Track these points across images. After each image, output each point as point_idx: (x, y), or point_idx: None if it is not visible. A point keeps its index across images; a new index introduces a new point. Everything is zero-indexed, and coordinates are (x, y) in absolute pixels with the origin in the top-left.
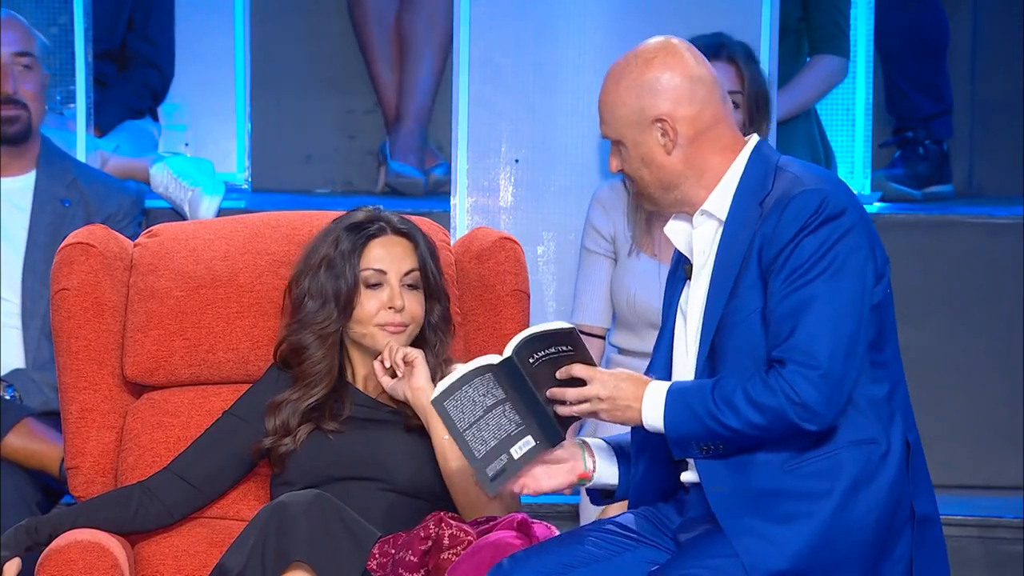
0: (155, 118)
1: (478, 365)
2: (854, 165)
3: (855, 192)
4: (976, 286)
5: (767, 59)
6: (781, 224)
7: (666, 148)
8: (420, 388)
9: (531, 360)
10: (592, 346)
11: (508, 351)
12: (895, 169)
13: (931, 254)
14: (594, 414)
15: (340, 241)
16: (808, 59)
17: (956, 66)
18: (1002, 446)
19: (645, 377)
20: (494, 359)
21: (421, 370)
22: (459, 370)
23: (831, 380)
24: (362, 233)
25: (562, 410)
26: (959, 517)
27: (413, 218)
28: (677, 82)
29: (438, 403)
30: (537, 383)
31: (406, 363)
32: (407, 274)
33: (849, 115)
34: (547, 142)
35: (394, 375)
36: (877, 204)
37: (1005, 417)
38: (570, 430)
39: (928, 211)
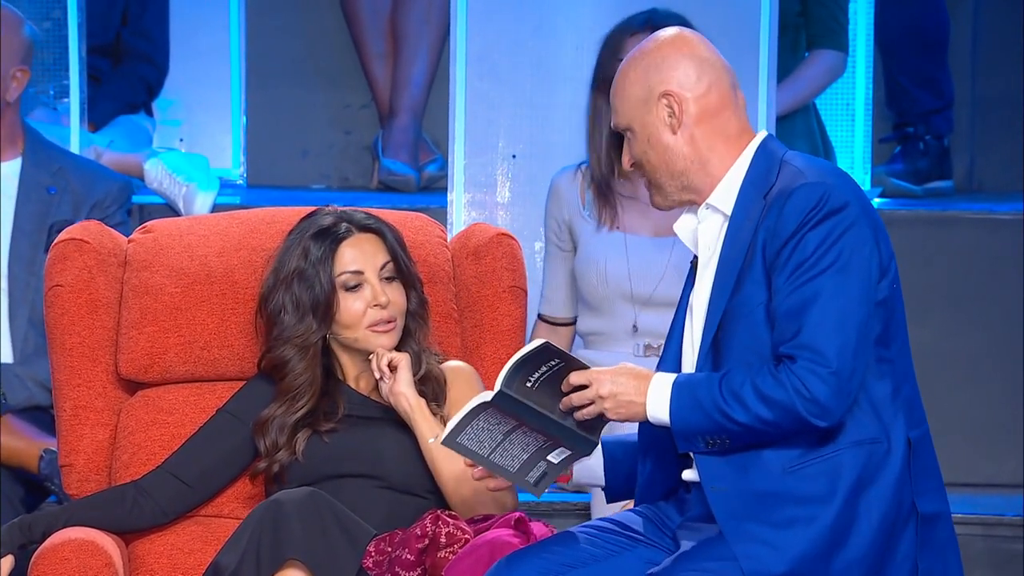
0: (149, 113)
1: (476, 404)
2: (854, 161)
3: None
4: (976, 282)
5: (766, 54)
6: (783, 218)
7: (672, 127)
8: (400, 393)
9: (528, 384)
10: (562, 335)
11: (498, 385)
12: (895, 165)
13: (931, 250)
14: (603, 414)
15: (309, 251)
16: (807, 54)
17: (956, 61)
18: (1003, 443)
19: (647, 370)
20: (488, 395)
21: (404, 375)
22: (459, 412)
23: (841, 376)
24: (330, 238)
25: (578, 416)
26: (959, 515)
27: (408, 214)
28: (685, 62)
29: (450, 442)
30: (545, 403)
31: (391, 368)
32: (383, 267)
33: (849, 110)
34: (544, 138)
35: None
36: (877, 200)
37: (1006, 414)
38: None
39: (928, 207)
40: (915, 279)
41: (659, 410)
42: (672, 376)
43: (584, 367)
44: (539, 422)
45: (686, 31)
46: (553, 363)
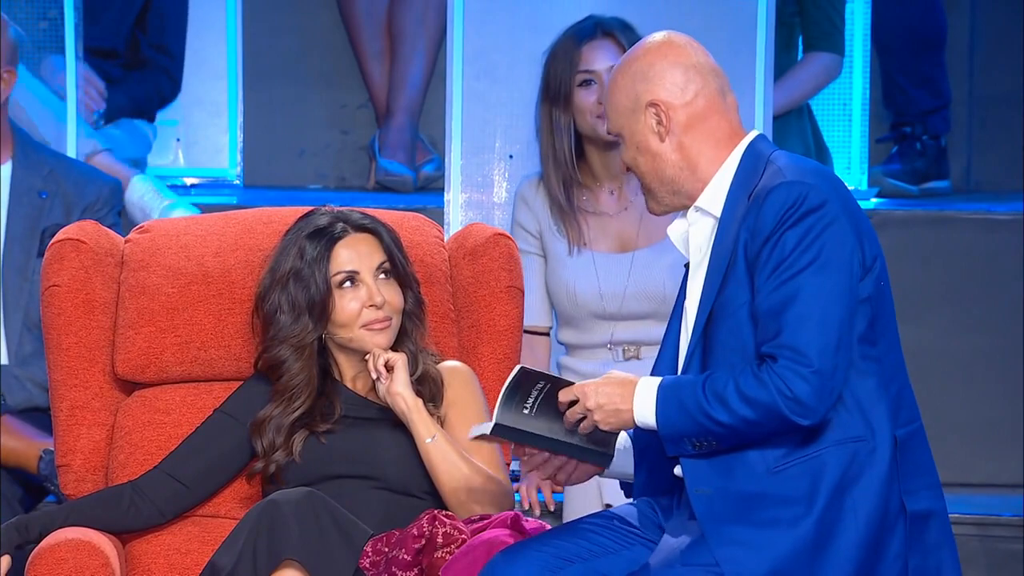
0: (151, 119)
1: (475, 435)
2: (851, 161)
3: (849, 186)
4: (974, 282)
5: (762, 53)
6: (761, 217)
7: (659, 135)
8: (397, 393)
9: (525, 411)
10: (538, 344)
11: (493, 419)
12: (892, 165)
13: (929, 250)
14: (597, 425)
15: (304, 251)
16: (800, 54)
17: (954, 61)
18: (1001, 443)
19: (633, 377)
20: (487, 427)
21: (400, 375)
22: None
23: (823, 375)
24: (326, 238)
25: (580, 430)
26: (957, 515)
27: (405, 214)
28: (671, 69)
29: (483, 432)
30: (549, 427)
31: (387, 368)
32: (379, 267)
33: (846, 110)
34: None
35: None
36: (874, 200)
37: (1004, 414)
38: None
39: (926, 207)
40: (912, 279)
41: (646, 414)
42: (658, 380)
43: (569, 384)
44: (548, 445)
45: (675, 36)
46: (540, 385)
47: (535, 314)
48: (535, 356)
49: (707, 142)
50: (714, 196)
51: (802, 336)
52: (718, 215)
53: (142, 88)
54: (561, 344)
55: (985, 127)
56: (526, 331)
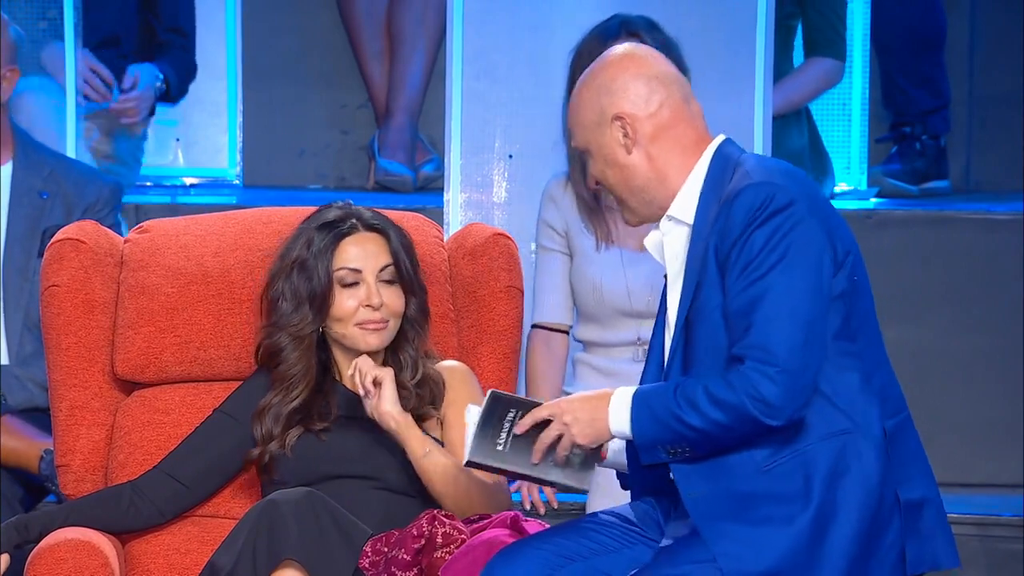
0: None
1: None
2: (851, 160)
3: (849, 186)
4: (974, 282)
5: (762, 53)
6: (730, 219)
7: (626, 147)
8: (386, 412)
9: (499, 448)
10: (556, 342)
11: (465, 455)
12: (892, 165)
13: (928, 250)
14: (573, 443)
15: (312, 242)
16: (802, 58)
17: (954, 61)
18: (1001, 443)
19: (606, 390)
20: (466, 452)
21: (388, 392)
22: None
23: (791, 374)
24: (334, 232)
25: (558, 457)
26: (957, 515)
27: (405, 214)
28: (634, 82)
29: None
30: (523, 462)
31: (375, 385)
32: (382, 270)
33: (846, 110)
34: (541, 137)
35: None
36: (874, 200)
37: (1004, 414)
38: None
39: (925, 207)
40: (912, 279)
41: (621, 423)
42: (632, 389)
43: (538, 403)
44: (525, 480)
45: (636, 48)
46: (512, 416)
47: (556, 311)
48: (552, 353)
49: (674, 151)
50: (685, 204)
51: (770, 335)
52: (691, 223)
53: (181, 69)
54: (578, 341)
55: (985, 127)
56: (546, 328)
